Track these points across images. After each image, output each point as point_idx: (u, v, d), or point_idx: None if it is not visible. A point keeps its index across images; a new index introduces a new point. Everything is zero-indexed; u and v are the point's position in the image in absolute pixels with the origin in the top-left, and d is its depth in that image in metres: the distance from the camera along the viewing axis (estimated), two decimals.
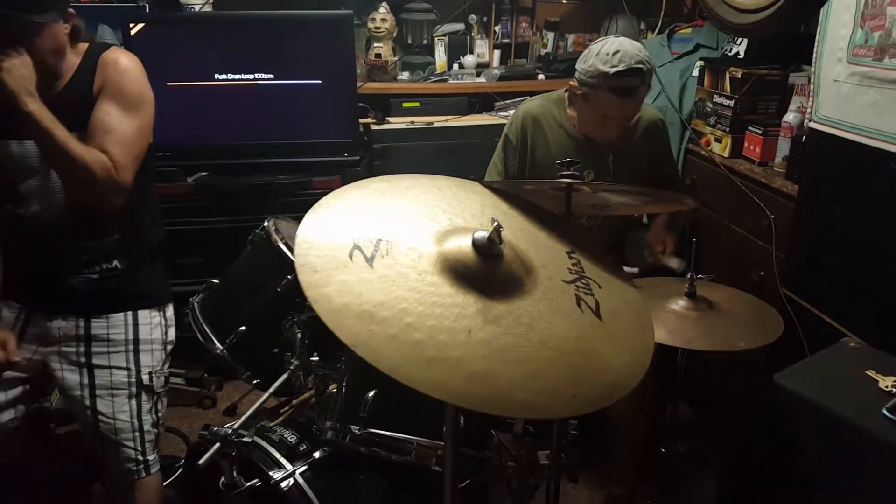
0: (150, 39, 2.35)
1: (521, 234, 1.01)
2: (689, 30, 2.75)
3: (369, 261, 0.88)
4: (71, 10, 1.56)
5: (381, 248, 0.91)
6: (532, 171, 2.11)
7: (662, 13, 2.90)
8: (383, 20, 2.75)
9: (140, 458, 1.66)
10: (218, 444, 1.16)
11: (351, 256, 0.89)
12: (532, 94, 2.51)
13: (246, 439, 1.26)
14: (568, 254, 1.01)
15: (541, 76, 2.96)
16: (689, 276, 1.60)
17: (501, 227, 0.87)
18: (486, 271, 0.88)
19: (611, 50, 1.89)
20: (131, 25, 2.35)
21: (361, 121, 2.70)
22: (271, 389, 1.44)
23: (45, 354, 1.67)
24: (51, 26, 1.51)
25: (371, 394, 1.30)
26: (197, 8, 2.57)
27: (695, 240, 1.62)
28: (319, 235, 0.92)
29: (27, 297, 1.68)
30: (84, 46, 1.63)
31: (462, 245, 0.91)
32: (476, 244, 0.89)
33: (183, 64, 2.42)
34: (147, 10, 2.52)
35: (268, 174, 2.51)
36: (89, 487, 2.07)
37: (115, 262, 1.68)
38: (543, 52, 3.06)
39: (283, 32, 2.45)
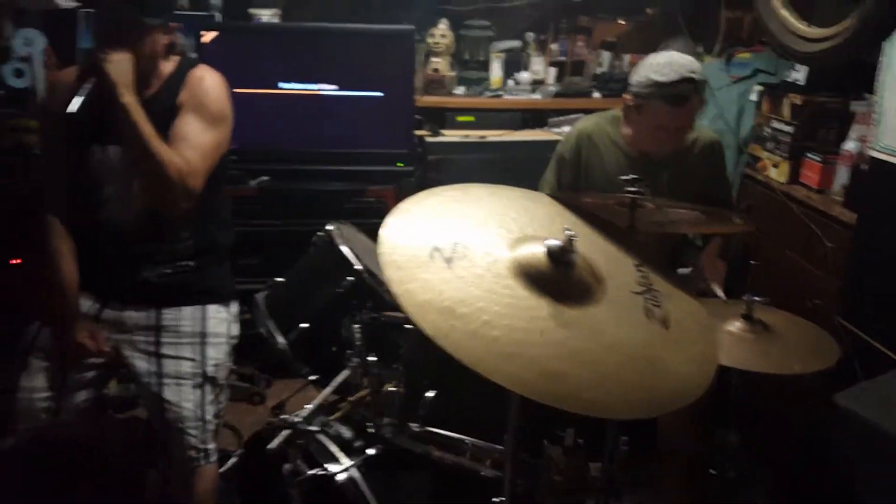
0: (221, 47, 2.48)
1: (591, 246, 1.06)
2: (748, 54, 2.78)
3: (448, 262, 0.95)
4: (172, 23, 1.69)
5: (458, 251, 0.97)
6: (585, 188, 2.16)
7: (721, 37, 2.93)
8: (443, 36, 2.85)
9: (201, 446, 1.73)
10: (289, 431, 1.23)
11: (431, 257, 0.95)
12: (586, 111, 2.56)
13: (314, 428, 1.33)
14: (636, 266, 1.06)
15: (596, 94, 3.02)
16: (746, 298, 1.62)
17: (575, 236, 0.92)
18: (558, 278, 0.94)
19: (662, 60, 1.95)
20: (203, 33, 2.50)
21: (416, 132, 2.79)
22: (332, 385, 1.51)
23: (118, 342, 1.77)
24: (155, 32, 1.64)
25: (431, 394, 1.36)
26: (265, 18, 2.70)
27: (753, 262, 1.65)
28: (401, 237, 0.99)
29: (104, 288, 1.79)
30: (176, 59, 1.76)
31: (535, 252, 0.97)
32: (550, 251, 0.94)
33: (249, 71, 2.53)
34: (217, 20, 2.65)
35: (324, 181, 2.61)
36: (144, 473, 2.17)
37: (188, 261, 1.79)
38: (599, 70, 3.11)
39: (347, 45, 2.56)
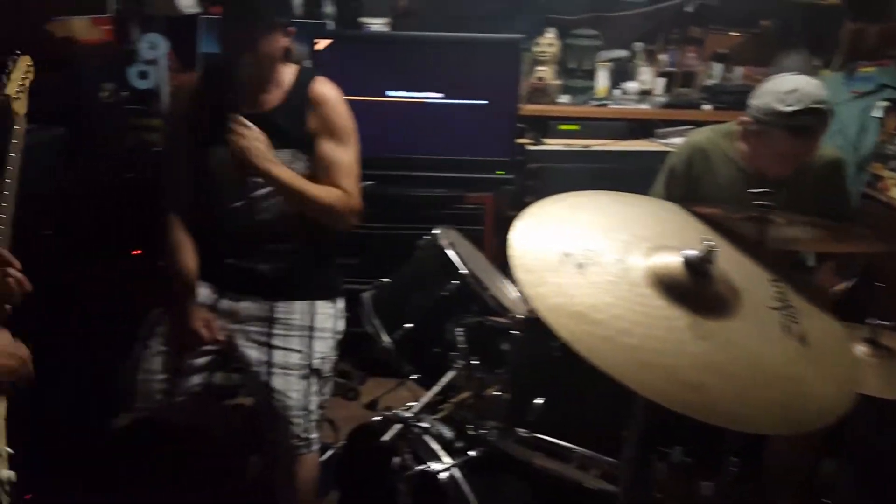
0: (332, 55, 2.57)
1: (725, 258, 1.05)
2: (872, 68, 2.65)
3: (579, 267, 0.96)
4: (292, 28, 1.77)
5: (589, 257, 0.98)
6: (697, 202, 2.11)
7: (842, 50, 2.81)
8: (549, 45, 2.86)
9: (304, 434, 1.79)
10: (401, 426, 1.27)
11: (561, 261, 0.96)
12: (696, 123, 2.51)
13: (425, 425, 1.36)
14: (771, 281, 1.03)
15: (706, 106, 2.95)
16: (870, 321, 1.55)
17: (715, 247, 0.91)
18: (696, 289, 0.93)
19: (787, 87, 1.83)
20: (316, 41, 2.60)
21: (517, 140, 2.80)
22: (439, 385, 1.53)
23: (232, 331, 1.86)
24: (277, 32, 1.72)
25: (540, 401, 1.36)
26: (375, 27, 2.78)
27: (879, 284, 1.57)
28: (531, 240, 1.00)
29: (221, 280, 1.89)
30: (294, 68, 1.85)
31: (671, 261, 0.96)
32: (689, 262, 0.93)
33: (358, 79, 2.62)
34: (329, 28, 2.75)
35: (425, 186, 2.66)
36: (246, 459, 2.27)
37: (303, 258, 1.88)
38: (709, 82, 3.05)
39: (454, 54, 2.62)
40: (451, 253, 1.76)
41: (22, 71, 1.49)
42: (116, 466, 2.37)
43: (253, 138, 1.68)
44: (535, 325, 1.43)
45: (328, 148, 1.79)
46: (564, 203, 1.14)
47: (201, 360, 1.88)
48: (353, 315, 2.01)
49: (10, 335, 1.26)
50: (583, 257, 0.97)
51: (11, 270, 1.29)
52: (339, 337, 1.96)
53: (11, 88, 1.41)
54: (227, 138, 1.68)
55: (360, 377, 2.83)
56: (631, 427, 1.04)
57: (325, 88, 1.84)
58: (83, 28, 2.58)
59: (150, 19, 2.84)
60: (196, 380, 1.88)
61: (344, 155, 1.81)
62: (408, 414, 1.30)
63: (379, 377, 2.86)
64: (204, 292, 1.89)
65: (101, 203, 2.47)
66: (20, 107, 1.42)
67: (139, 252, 2.46)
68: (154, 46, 2.73)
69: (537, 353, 1.39)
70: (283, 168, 1.71)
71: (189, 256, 1.86)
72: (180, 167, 1.89)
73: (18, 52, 1.52)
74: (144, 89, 2.76)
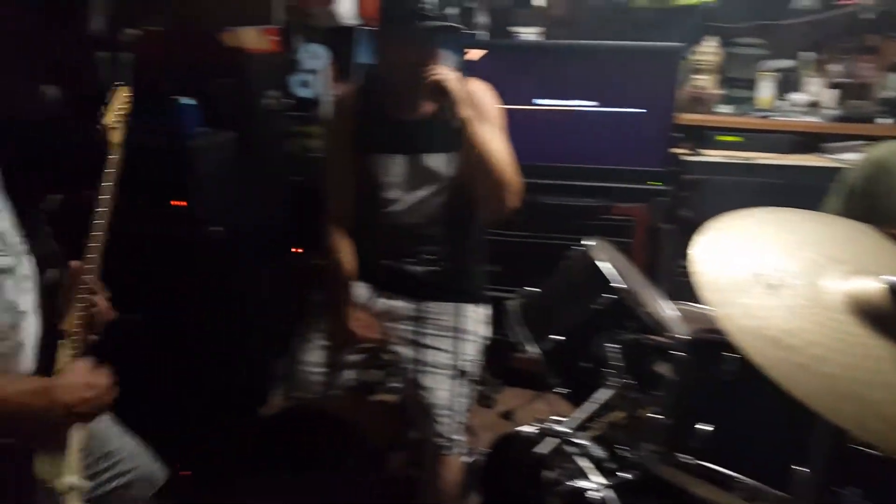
0: (487, 64, 2.62)
1: None
2: None
3: (770, 288, 0.92)
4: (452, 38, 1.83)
5: (780, 278, 0.93)
6: (880, 223, 1.96)
7: None
8: (710, 53, 2.76)
9: (450, 435, 1.84)
10: (559, 440, 1.27)
11: (750, 282, 0.93)
12: (871, 138, 2.33)
13: (584, 442, 1.35)
14: None
15: (883, 120, 2.72)
16: None
17: None
18: None
19: None
20: (467, 50, 2.66)
21: (672, 150, 2.72)
22: (595, 402, 1.51)
23: (386, 329, 1.96)
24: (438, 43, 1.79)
25: (709, 427, 1.31)
26: (527, 36, 2.80)
27: None
28: (714, 257, 0.98)
29: (377, 280, 2.00)
30: None
31: (872, 287, 0.90)
32: (893, 289, 0.87)
33: (508, 88, 2.64)
34: (481, 37, 2.81)
35: (573, 196, 2.64)
36: (387, 454, 2.36)
37: (453, 262, 1.95)
38: (887, 94, 2.81)
39: (609, 62, 2.59)
40: (605, 266, 1.74)
41: (120, 101, 1.53)
42: (263, 451, 2.54)
43: (456, 77, 1.74)
44: (701, 347, 1.39)
45: (485, 130, 1.81)
46: (752, 219, 1.10)
47: (357, 357, 1.98)
48: (493, 322, 2.04)
49: (90, 365, 1.24)
50: (774, 278, 0.93)
51: (99, 299, 1.31)
52: (486, 342, 2.01)
53: (109, 118, 1.45)
54: (424, 78, 1.73)
55: (497, 385, 2.85)
56: (807, 461, 0.98)
57: (477, 85, 1.91)
58: (252, 38, 2.76)
59: (313, 30, 3.02)
60: (351, 375, 1.99)
61: (499, 138, 1.85)
62: (564, 428, 1.30)
63: (514, 387, 2.88)
64: (362, 292, 2.00)
65: (266, 203, 2.65)
66: (116, 136, 1.45)
67: (300, 251, 2.62)
68: (315, 56, 2.90)
69: (703, 377, 1.34)
70: (475, 120, 1.75)
71: (347, 258, 1.96)
72: (341, 172, 2.00)
73: (119, 83, 1.57)
74: (305, 97, 2.95)
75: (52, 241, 1.32)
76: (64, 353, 1.23)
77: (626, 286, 1.71)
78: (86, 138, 1.48)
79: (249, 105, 2.72)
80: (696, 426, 1.34)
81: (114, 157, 1.42)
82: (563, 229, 2.61)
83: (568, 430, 1.30)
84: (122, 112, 1.53)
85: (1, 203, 1.12)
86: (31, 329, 1.17)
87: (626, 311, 1.69)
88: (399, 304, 1.97)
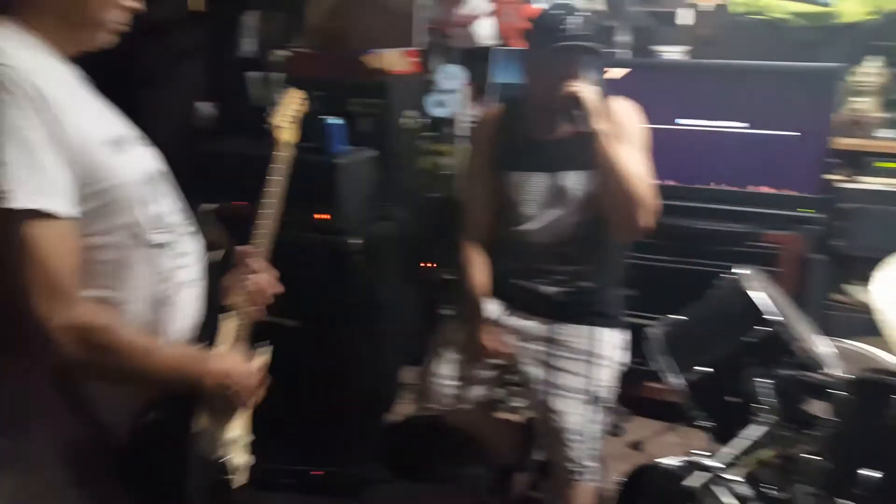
0: (629, 83, 2.60)
1: None
2: None
3: None
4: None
5: None
6: None
7: None
8: (874, 74, 2.59)
9: (581, 461, 1.83)
10: (709, 474, 1.23)
11: None
12: None
13: (737, 478, 1.31)
14: None
15: None
16: None
17: None
18: None
19: None
20: (610, 70, 2.65)
21: (825, 177, 2.58)
22: (748, 438, 1.45)
23: (518, 348, 1.97)
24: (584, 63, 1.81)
25: (877, 474, 1.23)
26: (671, 56, 2.76)
27: None
28: None
29: (510, 297, 2.01)
30: None
31: None
32: None
33: (651, 107, 2.61)
34: (623, 56, 2.79)
35: (716, 220, 2.56)
36: (511, 475, 2.36)
37: (587, 283, 1.94)
38: None
39: (759, 83, 2.50)
40: (759, 296, 1.67)
41: (292, 104, 1.64)
42: (388, 458, 2.62)
43: (591, 90, 1.75)
44: (868, 388, 1.31)
45: (624, 150, 1.80)
46: None
47: (488, 373, 2.02)
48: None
49: (246, 352, 1.31)
50: None
51: (266, 277, 1.38)
52: (622, 368, 1.98)
53: (277, 119, 1.56)
54: (562, 90, 1.75)
55: (625, 414, 2.80)
56: None
57: (621, 102, 1.91)
58: (394, 60, 2.89)
59: (451, 51, 3.11)
60: (481, 390, 2.02)
61: (639, 157, 1.83)
62: (716, 463, 1.26)
63: (644, 417, 2.81)
64: (494, 309, 2.02)
65: (401, 218, 2.75)
66: (285, 135, 1.55)
67: (432, 265, 2.70)
68: (452, 77, 2.99)
69: (870, 419, 1.26)
70: (611, 134, 1.75)
71: (480, 274, 2.00)
72: (479, 189, 2.04)
73: (287, 85, 1.70)
74: (441, 117, 3.04)
75: (220, 227, 1.40)
76: (226, 328, 1.31)
77: (780, 319, 1.64)
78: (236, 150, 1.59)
79: (389, 124, 2.84)
80: (861, 472, 1.27)
81: (281, 154, 1.52)
82: (707, 255, 2.54)
83: (719, 465, 1.26)
84: (294, 113, 1.64)
85: (163, 189, 1.21)
86: (190, 302, 1.23)
87: (780, 346, 1.62)
88: (531, 325, 1.98)
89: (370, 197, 2.68)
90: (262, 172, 1.48)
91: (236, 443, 1.33)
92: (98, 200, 1.04)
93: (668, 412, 2.60)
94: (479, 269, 2.01)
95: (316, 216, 2.52)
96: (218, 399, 1.21)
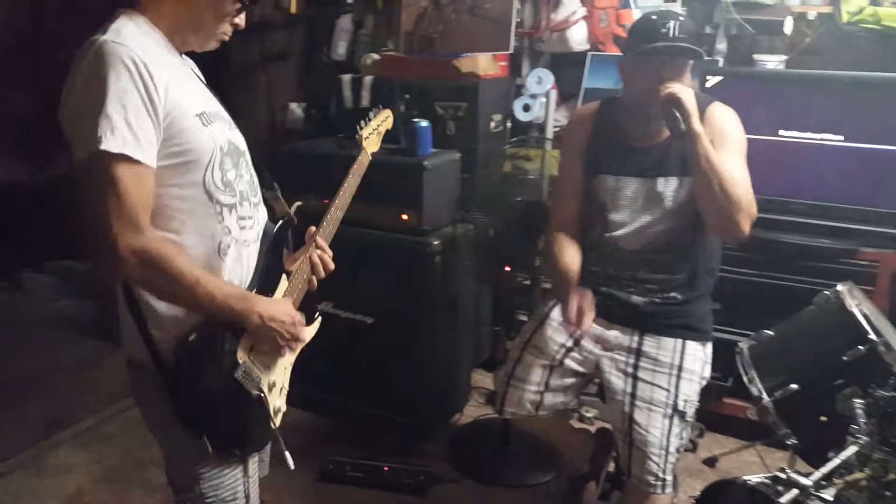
0: (724, 92, 2.56)
1: None
2: None
3: None
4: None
5: None
6: None
7: None
8: None
9: (660, 474, 1.81)
10: (797, 491, 1.22)
11: None
12: None
13: (828, 497, 1.29)
14: None
15: None
16: None
17: None
18: None
19: None
20: (708, 78, 2.62)
21: None
22: (840, 458, 1.42)
23: (600, 357, 1.97)
24: (687, 68, 1.82)
25: None
26: (770, 65, 2.70)
27: None
28: None
29: (595, 304, 1.92)
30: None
31: None
32: None
33: (750, 117, 2.56)
34: (721, 65, 2.75)
35: (811, 235, 2.49)
36: (582, 485, 2.36)
37: (676, 294, 1.92)
38: None
39: (863, 94, 2.42)
40: (858, 314, 1.64)
41: (379, 120, 1.88)
42: (455, 458, 2.67)
43: (688, 92, 1.74)
44: None
45: (721, 155, 1.77)
46: None
47: (569, 381, 2.02)
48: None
49: (292, 305, 1.45)
50: None
51: (323, 255, 1.54)
52: (705, 382, 1.95)
53: (366, 131, 1.77)
54: (660, 92, 1.74)
55: (700, 429, 2.75)
56: None
57: (720, 108, 1.89)
58: (485, 64, 2.94)
59: (539, 55, 3.14)
60: (561, 398, 2.03)
61: (738, 162, 1.80)
62: (807, 482, 1.24)
63: (717, 434, 2.77)
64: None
65: (483, 221, 2.79)
66: (368, 144, 1.76)
67: (509, 269, 2.74)
68: (540, 81, 3.01)
69: None
70: (705, 136, 1.72)
71: (572, 257, 1.96)
72: (570, 191, 2.05)
73: (381, 106, 1.94)
74: (527, 120, 3.07)
75: (284, 204, 1.57)
76: (282, 287, 1.47)
77: (880, 338, 1.60)
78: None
79: (476, 127, 2.89)
80: None
81: (360, 158, 1.72)
82: (799, 271, 2.48)
83: (808, 484, 1.25)
84: (380, 128, 1.87)
85: (239, 162, 1.40)
86: (247, 257, 1.41)
87: (878, 366, 1.58)
88: (615, 334, 1.97)
89: (454, 199, 2.74)
90: (341, 172, 1.67)
91: (275, 387, 1.46)
92: (179, 158, 1.27)
93: (743, 429, 2.56)
94: (570, 253, 1.98)
95: (403, 216, 2.60)
96: (261, 339, 1.38)
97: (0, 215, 4.28)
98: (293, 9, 3.36)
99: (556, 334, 2.01)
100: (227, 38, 1.39)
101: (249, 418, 1.40)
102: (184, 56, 1.40)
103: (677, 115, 1.73)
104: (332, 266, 1.57)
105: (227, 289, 1.31)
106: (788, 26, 2.64)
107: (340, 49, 3.33)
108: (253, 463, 1.47)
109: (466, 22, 3.00)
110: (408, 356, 2.66)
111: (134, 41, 1.22)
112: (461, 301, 2.81)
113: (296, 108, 3.47)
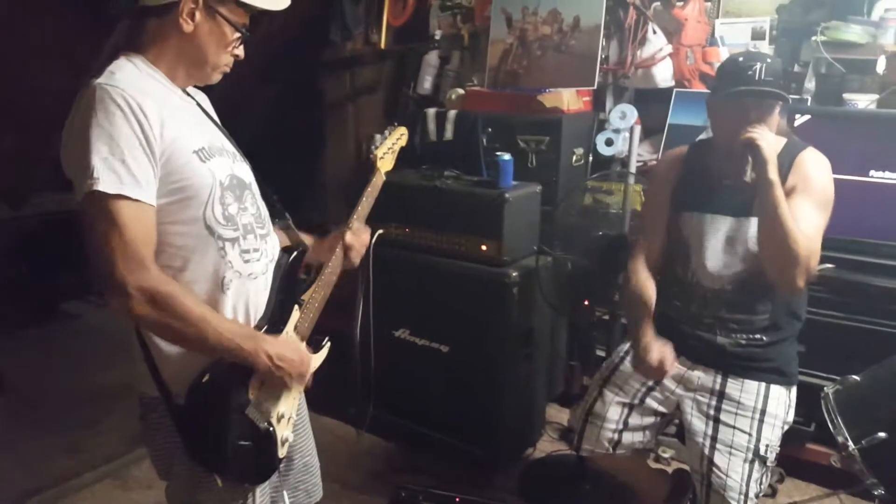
0: (813, 131, 2.57)
1: None
2: None
3: None
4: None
5: None
6: None
7: None
8: None
9: None
10: None
11: None
12: None
13: None
14: None
15: None
16: None
17: None
18: None
19: None
20: (796, 116, 2.63)
21: None
22: None
23: (681, 397, 2.00)
24: (776, 108, 1.85)
25: None
26: (861, 104, 2.69)
27: None
28: None
29: (678, 342, 2.00)
30: (782, 140, 1.92)
31: None
32: None
33: (841, 157, 2.55)
34: (810, 103, 2.75)
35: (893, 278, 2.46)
36: None
37: (762, 336, 1.93)
38: None
39: None
40: None
41: (394, 138, 1.91)
42: (527, 492, 2.71)
43: (770, 139, 1.78)
44: None
45: (798, 203, 1.80)
46: None
47: (649, 420, 2.05)
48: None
49: (297, 342, 1.50)
50: None
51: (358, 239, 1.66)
52: (787, 427, 1.96)
53: (380, 150, 1.83)
54: (742, 135, 1.78)
55: (780, 474, 2.72)
56: None
57: (813, 156, 1.89)
58: (569, 99, 3.02)
59: (622, 90, 3.21)
60: (639, 437, 2.06)
61: (815, 216, 1.81)
62: None
63: (797, 478, 2.74)
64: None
65: (563, 254, 2.86)
66: (383, 164, 1.81)
67: (589, 303, 2.78)
68: (623, 116, 3.08)
69: None
70: (780, 185, 1.75)
71: (649, 290, 2.03)
72: (655, 227, 2.10)
73: (396, 123, 1.99)
74: (610, 155, 3.13)
75: (297, 233, 1.64)
76: (294, 318, 1.51)
77: None
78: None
79: (557, 160, 2.98)
80: None
81: (374, 179, 1.78)
82: (889, 315, 2.44)
83: None
84: (395, 146, 1.92)
85: (243, 195, 1.44)
86: (253, 291, 1.44)
87: None
88: (698, 374, 1.99)
89: (534, 231, 2.82)
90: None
91: (283, 418, 1.51)
92: (178, 195, 1.30)
93: (826, 476, 2.52)
94: (647, 286, 2.04)
95: (482, 247, 2.70)
96: (269, 376, 1.41)
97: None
98: (382, 44, 3.54)
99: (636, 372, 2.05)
100: (227, 69, 1.44)
101: (258, 451, 1.45)
102: (190, 91, 1.46)
103: (754, 159, 1.77)
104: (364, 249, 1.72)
105: (234, 328, 1.34)
106: (882, 65, 2.63)
107: (426, 84, 3.48)
108: (260, 491, 1.51)
109: (552, 58, 3.09)
110: (482, 387, 2.73)
111: (128, 82, 1.26)
112: (537, 334, 2.87)
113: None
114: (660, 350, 1.91)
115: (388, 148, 1.88)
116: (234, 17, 1.37)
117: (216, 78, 1.44)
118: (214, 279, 1.37)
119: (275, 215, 1.57)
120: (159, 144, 1.27)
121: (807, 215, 1.78)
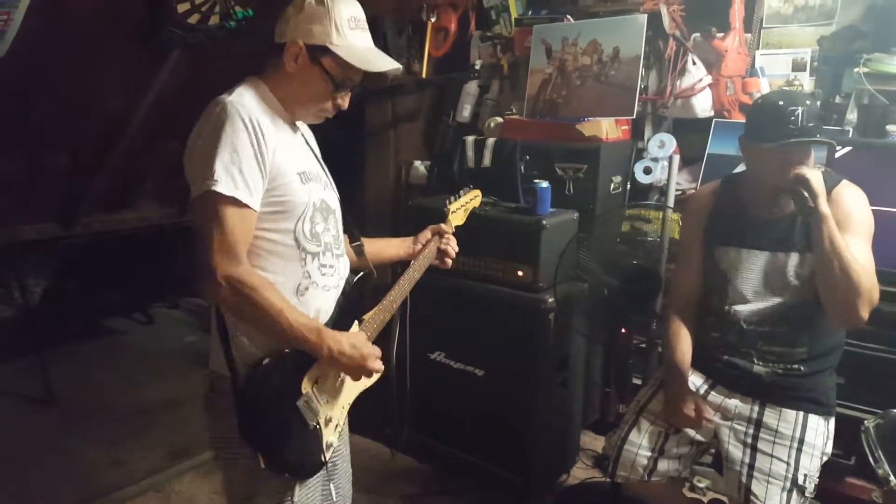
0: (854, 163, 2.57)
1: None
2: None
3: None
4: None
5: None
6: None
7: None
8: None
9: None
10: None
11: None
12: None
13: None
14: None
15: None
16: None
17: None
18: None
19: None
20: (838, 148, 2.63)
21: None
22: None
23: (718, 425, 2.01)
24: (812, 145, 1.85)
25: None
26: None
27: None
28: None
29: (716, 373, 2.05)
30: (818, 173, 1.93)
31: None
32: None
33: (883, 189, 2.54)
34: (851, 135, 2.76)
35: None
36: None
37: (800, 366, 1.94)
38: None
39: None
40: None
41: (468, 198, 2.11)
42: None
43: (816, 173, 1.78)
44: None
45: (847, 238, 1.79)
46: None
47: (685, 449, 2.07)
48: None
49: (368, 340, 1.59)
50: None
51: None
52: (826, 458, 1.96)
53: (454, 205, 2.03)
54: (789, 175, 1.78)
55: None
56: None
57: (849, 188, 1.90)
58: (608, 127, 3.06)
59: (661, 119, 3.24)
60: (675, 465, 2.08)
61: (864, 246, 1.81)
62: None
63: None
64: (696, 381, 2.08)
65: (599, 281, 2.89)
66: (454, 218, 2.02)
67: (625, 331, 2.80)
68: (662, 145, 3.11)
69: None
70: (832, 218, 1.75)
71: (685, 348, 2.07)
72: (691, 260, 2.13)
73: (472, 185, 2.18)
74: (647, 183, 3.16)
75: (367, 259, 1.80)
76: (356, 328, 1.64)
77: None
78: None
79: (595, 188, 3.01)
80: None
81: (446, 229, 1.96)
82: None
83: None
84: (468, 205, 2.13)
85: (328, 217, 1.61)
86: (325, 301, 1.59)
87: None
88: (735, 403, 2.01)
89: (570, 258, 2.86)
90: (461, 228, 1.97)
91: (331, 423, 1.59)
92: (277, 207, 1.48)
93: None
94: (683, 343, 2.08)
95: (518, 272, 2.74)
96: (327, 373, 1.55)
97: (141, 255, 4.78)
98: (424, 74, 3.64)
99: None
100: (329, 115, 1.60)
101: (303, 446, 1.53)
102: (298, 124, 1.63)
103: (805, 194, 1.76)
104: (456, 248, 1.94)
105: (303, 320, 1.46)
106: None
107: (465, 112, 3.55)
108: (301, 489, 1.58)
109: (591, 88, 3.14)
110: (517, 411, 2.75)
111: (252, 104, 1.46)
112: (573, 360, 2.89)
113: (420, 166, 3.71)
114: (694, 399, 1.98)
115: (462, 205, 2.07)
116: (338, 70, 1.52)
117: (316, 120, 1.62)
118: (293, 284, 1.53)
119: (352, 240, 1.78)
120: (270, 162, 1.44)
121: (859, 249, 1.79)
